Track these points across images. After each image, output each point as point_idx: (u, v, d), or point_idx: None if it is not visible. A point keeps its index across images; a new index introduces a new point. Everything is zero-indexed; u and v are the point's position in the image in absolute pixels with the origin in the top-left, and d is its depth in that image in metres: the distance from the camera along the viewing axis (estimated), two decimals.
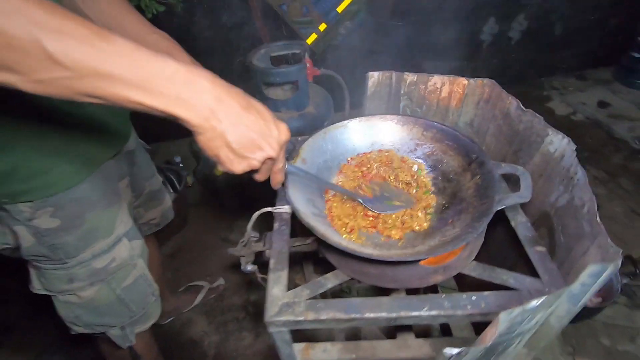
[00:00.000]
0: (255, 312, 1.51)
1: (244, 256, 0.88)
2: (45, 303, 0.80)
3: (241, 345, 1.40)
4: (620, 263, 0.44)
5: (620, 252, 0.45)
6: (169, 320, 1.49)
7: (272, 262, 0.64)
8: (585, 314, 1.28)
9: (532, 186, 0.61)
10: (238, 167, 0.47)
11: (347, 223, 0.65)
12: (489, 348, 0.48)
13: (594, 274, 0.44)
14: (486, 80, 0.80)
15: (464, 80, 0.82)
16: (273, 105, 1.49)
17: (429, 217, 0.68)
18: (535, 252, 0.60)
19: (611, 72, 2.66)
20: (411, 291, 0.69)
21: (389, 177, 0.76)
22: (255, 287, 1.60)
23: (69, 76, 0.33)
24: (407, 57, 2.50)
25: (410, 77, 0.84)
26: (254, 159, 0.47)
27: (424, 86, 0.85)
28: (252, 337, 1.42)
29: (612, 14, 2.53)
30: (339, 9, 2.30)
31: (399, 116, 0.79)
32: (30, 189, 0.63)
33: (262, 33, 2.26)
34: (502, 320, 0.40)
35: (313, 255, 1.19)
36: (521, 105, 0.72)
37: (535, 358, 1.31)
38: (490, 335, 0.40)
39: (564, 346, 1.30)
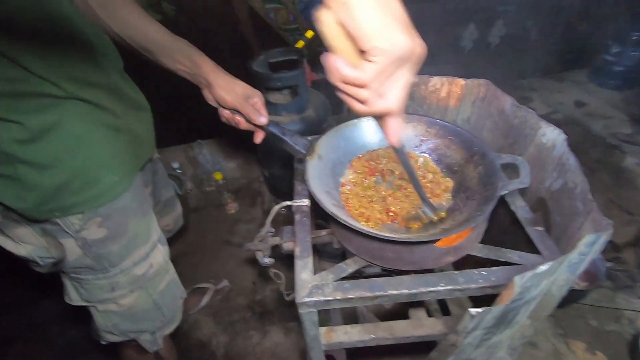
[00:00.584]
0: (262, 311, 1.54)
1: (260, 250, 0.93)
2: (48, 312, 0.80)
3: (249, 344, 1.43)
4: (612, 233, 0.51)
5: (612, 223, 0.52)
6: None
7: (298, 250, 0.69)
8: (574, 297, 1.37)
9: (530, 173, 0.68)
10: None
11: (364, 213, 0.71)
12: (501, 315, 0.55)
13: (590, 243, 0.51)
14: (482, 81, 0.88)
15: (461, 81, 0.89)
16: (274, 109, 1.54)
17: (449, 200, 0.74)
18: (535, 232, 0.68)
19: (585, 73, 2.82)
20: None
21: (396, 171, 0.82)
22: (260, 287, 1.63)
23: None
24: None
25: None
26: None
27: (424, 87, 0.92)
28: (259, 335, 1.45)
29: (581, 19, 2.69)
30: None
31: (405, 114, 0.85)
32: (82, 201, 0.65)
33: (250, 41, 2.31)
34: (517, 283, 0.46)
35: (317, 250, 1.24)
36: (515, 102, 0.80)
37: (531, 342, 1.40)
38: (507, 296, 0.46)
39: (556, 328, 1.38)
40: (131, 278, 0.76)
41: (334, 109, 1.73)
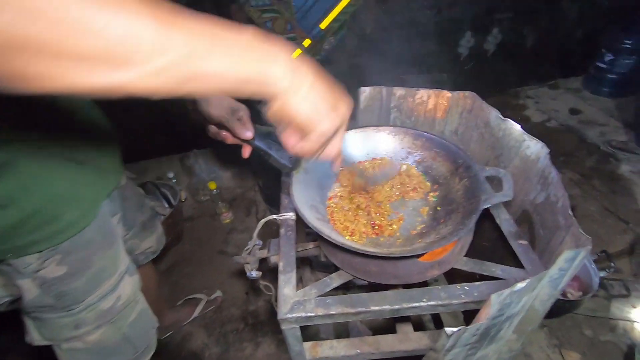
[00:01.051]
0: (254, 322, 1.53)
1: (248, 263, 0.92)
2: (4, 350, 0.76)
3: (242, 356, 1.42)
4: (590, 248, 0.51)
5: (590, 239, 0.52)
6: (168, 334, 1.50)
7: (281, 265, 0.69)
8: (568, 307, 1.36)
9: (513, 186, 0.68)
10: (308, 143, 0.45)
11: (348, 227, 0.71)
12: (483, 332, 0.54)
13: (569, 259, 0.51)
14: (467, 93, 0.88)
15: (447, 93, 0.90)
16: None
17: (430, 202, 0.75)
18: (519, 245, 0.67)
19: (580, 81, 2.84)
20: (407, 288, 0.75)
21: (383, 186, 0.83)
22: (253, 298, 1.63)
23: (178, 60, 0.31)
24: (390, 70, 2.62)
25: (399, 91, 0.92)
26: (322, 130, 0.44)
27: (412, 99, 0.93)
28: (252, 347, 1.44)
29: (577, 27, 2.71)
30: (322, 26, 2.40)
31: (391, 127, 0.86)
32: (39, 240, 0.61)
33: None
34: (494, 301, 0.46)
35: (309, 261, 1.24)
36: (500, 115, 0.80)
37: (525, 352, 1.38)
38: (484, 315, 0.46)
39: (550, 339, 1.37)
40: (97, 313, 0.72)
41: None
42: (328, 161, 0.54)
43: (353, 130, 0.86)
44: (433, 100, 0.92)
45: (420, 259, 0.65)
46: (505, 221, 0.73)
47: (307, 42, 2.43)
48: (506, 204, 0.78)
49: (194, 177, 2.17)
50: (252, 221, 2.00)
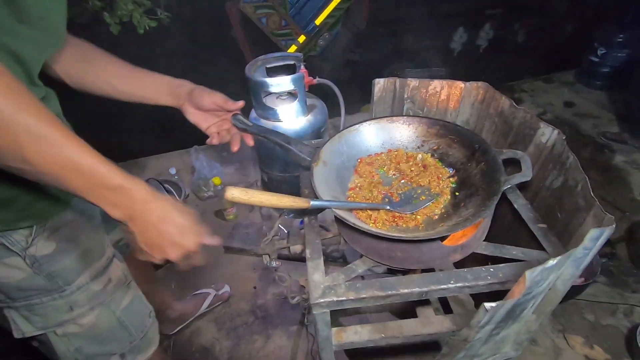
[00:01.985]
0: (264, 315, 1.54)
1: (268, 254, 0.94)
2: None
3: (253, 348, 1.43)
4: (614, 227, 0.53)
5: (613, 218, 0.54)
6: (178, 329, 1.50)
7: (308, 252, 0.70)
8: (571, 293, 1.40)
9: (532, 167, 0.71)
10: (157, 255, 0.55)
11: (371, 215, 0.72)
12: (511, 309, 0.56)
13: (594, 238, 0.53)
14: (480, 83, 0.91)
15: (460, 84, 0.92)
16: (273, 114, 1.55)
17: (449, 188, 0.77)
18: (539, 229, 0.70)
19: (573, 74, 2.90)
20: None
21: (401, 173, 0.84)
22: (260, 292, 1.63)
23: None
24: (384, 65, 2.64)
25: (412, 82, 0.94)
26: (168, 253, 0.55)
27: (425, 90, 0.94)
28: (263, 339, 1.45)
29: (568, 21, 2.76)
30: (317, 22, 2.41)
31: (405, 117, 0.88)
32: (28, 216, 0.62)
33: (243, 46, 2.33)
34: (528, 278, 0.48)
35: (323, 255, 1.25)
36: (514, 104, 0.82)
37: (530, 338, 1.42)
38: (519, 291, 0.48)
39: (554, 324, 1.41)
40: (90, 294, 0.72)
41: (331, 113, 1.75)
42: None
43: (367, 122, 0.88)
44: (446, 91, 0.94)
45: (443, 243, 0.67)
46: (523, 206, 0.75)
47: (302, 38, 2.44)
48: (522, 190, 0.80)
49: (196, 173, 2.16)
50: (256, 216, 2.00)
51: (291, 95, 1.60)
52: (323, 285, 0.64)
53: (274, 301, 1.59)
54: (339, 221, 0.67)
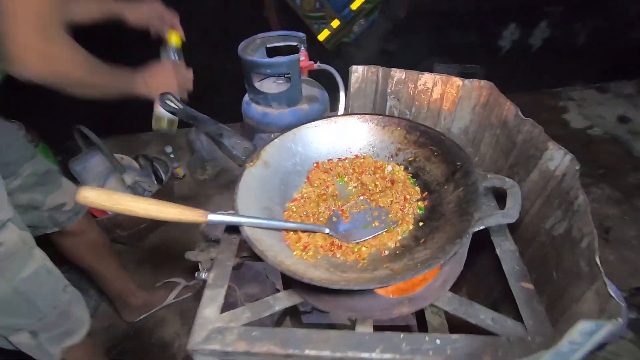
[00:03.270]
0: None
1: (201, 262, 0.80)
2: None
3: None
4: (621, 322, 0.33)
5: (624, 307, 0.35)
6: (142, 317, 1.42)
7: (211, 276, 0.55)
8: None
9: (525, 206, 0.51)
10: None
11: (301, 238, 0.56)
12: None
13: (586, 332, 0.34)
14: (483, 82, 0.70)
15: (457, 81, 0.71)
16: (264, 100, 1.40)
17: (414, 215, 0.60)
18: (522, 290, 0.50)
19: (634, 85, 2.50)
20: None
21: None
22: (233, 291, 1.52)
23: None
24: (421, 58, 2.40)
25: (398, 74, 0.75)
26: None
27: (413, 85, 0.75)
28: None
29: (634, 26, 2.38)
30: (354, 6, 2.21)
31: (380, 116, 0.69)
32: None
33: (274, 28, 2.18)
34: None
35: None
36: (520, 113, 0.61)
37: None
38: None
39: None
40: None
41: (333, 104, 1.57)
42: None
43: (333, 119, 0.71)
44: (439, 89, 0.74)
45: (382, 292, 0.50)
46: (507, 253, 0.55)
47: (335, 23, 2.25)
48: (514, 230, 0.60)
49: (195, 154, 2.07)
50: None
51: (289, 80, 1.44)
52: (212, 326, 0.49)
53: (247, 302, 1.47)
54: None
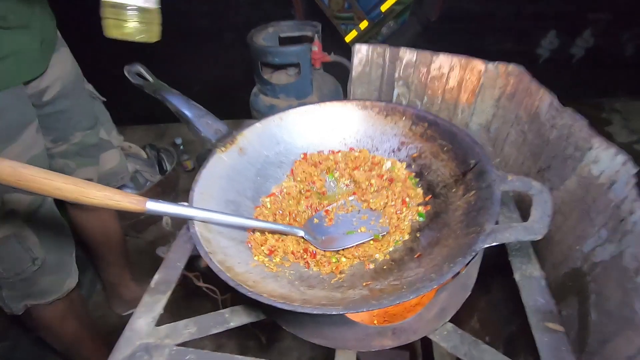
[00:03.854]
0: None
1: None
2: None
3: None
4: None
5: None
6: (130, 312, 1.36)
7: (154, 280, 0.46)
8: None
9: (557, 220, 0.38)
10: None
11: (267, 241, 0.45)
12: None
13: None
14: (512, 67, 0.57)
15: (479, 65, 0.59)
16: (272, 91, 1.31)
17: (412, 222, 0.48)
18: (546, 332, 0.37)
19: None
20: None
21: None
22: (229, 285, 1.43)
23: None
24: None
25: (407, 54, 0.63)
26: None
27: (425, 69, 0.63)
28: (213, 347, 1.25)
29: None
30: (383, 8, 2.11)
31: (383, 103, 0.58)
32: None
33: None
34: None
35: None
36: (556, 103, 0.48)
37: None
38: None
39: None
40: None
41: (347, 95, 1.46)
42: None
43: (327, 103, 0.60)
44: (457, 74, 0.62)
45: (359, 320, 0.38)
46: (530, 280, 0.42)
47: (364, 24, 2.15)
48: (539, 250, 0.47)
49: (203, 146, 2.02)
50: None
51: (299, 71, 1.34)
52: (141, 341, 0.39)
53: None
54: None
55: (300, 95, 1.31)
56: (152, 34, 0.50)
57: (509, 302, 0.48)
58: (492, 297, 0.58)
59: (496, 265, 0.46)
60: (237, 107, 1.57)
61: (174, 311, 0.56)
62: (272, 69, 1.37)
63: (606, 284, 0.36)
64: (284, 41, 1.39)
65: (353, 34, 2.14)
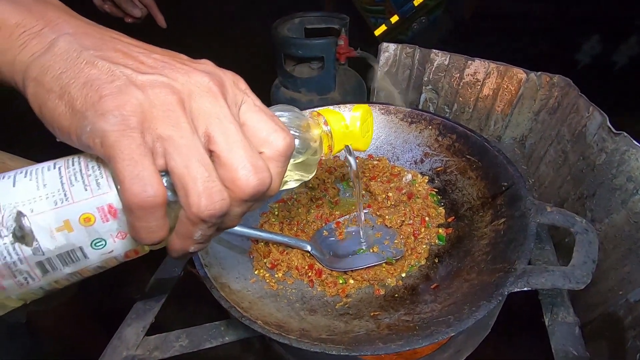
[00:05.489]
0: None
1: None
2: None
3: None
4: None
5: None
6: None
7: (150, 284, 0.43)
8: None
9: (597, 258, 0.33)
10: None
11: (271, 253, 0.42)
12: None
13: None
14: (557, 78, 0.51)
15: (520, 73, 0.53)
16: (293, 84, 1.27)
17: (431, 246, 0.44)
18: None
19: None
20: None
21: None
22: None
23: None
24: None
25: (439, 57, 0.58)
26: None
27: (458, 74, 0.57)
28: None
29: None
30: (416, 2, 2.03)
31: (408, 110, 0.53)
32: None
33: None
34: None
35: None
36: (608, 124, 0.42)
37: None
38: None
39: None
40: None
41: (370, 95, 1.40)
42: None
43: (347, 106, 0.56)
44: (493, 82, 0.56)
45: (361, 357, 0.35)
46: (562, 327, 0.37)
47: (394, 18, 2.07)
48: (575, 296, 0.41)
49: None
50: None
51: (323, 64, 1.30)
52: (128, 352, 0.37)
53: None
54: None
55: (322, 91, 1.25)
56: None
57: (533, 346, 0.43)
58: (513, 337, 0.52)
59: (521, 303, 0.41)
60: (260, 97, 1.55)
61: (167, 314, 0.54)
62: (295, 62, 1.32)
63: None
64: (310, 33, 1.34)
65: (382, 28, 2.06)
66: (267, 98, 1.43)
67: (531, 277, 0.30)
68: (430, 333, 0.28)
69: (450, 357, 0.36)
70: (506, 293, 0.30)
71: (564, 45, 2.24)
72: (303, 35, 1.33)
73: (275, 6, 1.95)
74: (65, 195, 0.18)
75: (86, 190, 0.18)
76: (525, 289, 0.30)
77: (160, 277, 0.44)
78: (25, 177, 0.19)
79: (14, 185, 0.18)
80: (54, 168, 0.19)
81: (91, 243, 0.19)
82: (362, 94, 1.38)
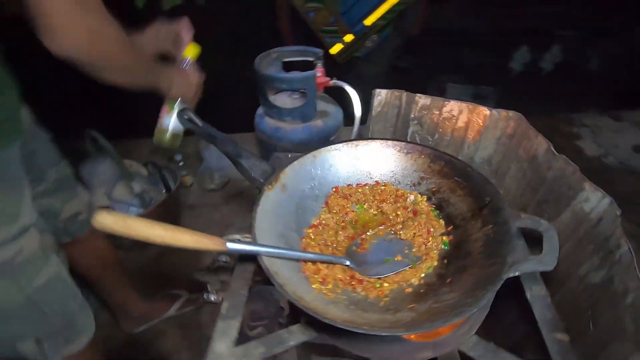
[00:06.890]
0: None
1: (209, 283, 0.78)
2: None
3: None
4: None
5: None
6: (141, 329, 1.39)
7: (224, 307, 0.53)
8: None
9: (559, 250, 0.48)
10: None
11: (320, 270, 0.53)
12: None
13: None
14: (512, 113, 0.68)
15: (485, 110, 0.69)
16: (277, 114, 1.39)
17: (439, 250, 0.57)
18: (555, 341, 0.47)
19: None
20: None
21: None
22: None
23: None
24: (431, 76, 2.40)
25: (422, 100, 0.73)
26: None
27: (437, 112, 0.73)
28: None
29: None
30: (367, 22, 2.21)
31: (403, 143, 0.67)
32: None
33: (286, 41, 2.19)
34: None
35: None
36: (552, 148, 0.59)
37: None
38: None
39: None
40: None
41: (348, 121, 1.55)
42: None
43: (353, 143, 0.69)
44: (465, 117, 0.72)
45: (407, 337, 0.47)
46: (539, 299, 0.52)
47: (348, 38, 2.25)
48: (545, 275, 0.57)
49: (203, 163, 2.06)
50: None
51: (304, 95, 1.43)
52: None
53: (252, 321, 1.43)
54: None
55: (305, 119, 1.39)
56: (176, 143, 0.80)
57: (506, 315, 0.58)
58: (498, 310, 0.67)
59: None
60: (238, 120, 1.63)
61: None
62: (275, 91, 1.44)
63: (600, 303, 0.46)
64: (286, 65, 1.47)
65: (338, 46, 2.23)
66: (251, 123, 1.52)
67: (518, 265, 0.44)
68: (459, 312, 0.41)
69: (467, 329, 0.49)
70: (504, 278, 0.43)
71: (499, 56, 2.54)
72: (281, 69, 1.46)
73: (240, 40, 2.06)
74: None
75: None
76: (517, 274, 0.44)
77: (231, 301, 0.53)
78: None
79: None
80: None
81: None
82: (339, 117, 1.53)
